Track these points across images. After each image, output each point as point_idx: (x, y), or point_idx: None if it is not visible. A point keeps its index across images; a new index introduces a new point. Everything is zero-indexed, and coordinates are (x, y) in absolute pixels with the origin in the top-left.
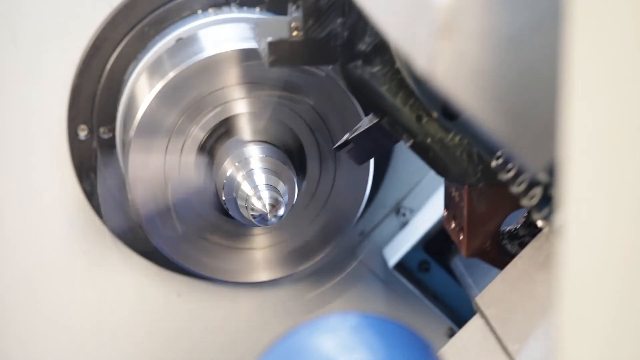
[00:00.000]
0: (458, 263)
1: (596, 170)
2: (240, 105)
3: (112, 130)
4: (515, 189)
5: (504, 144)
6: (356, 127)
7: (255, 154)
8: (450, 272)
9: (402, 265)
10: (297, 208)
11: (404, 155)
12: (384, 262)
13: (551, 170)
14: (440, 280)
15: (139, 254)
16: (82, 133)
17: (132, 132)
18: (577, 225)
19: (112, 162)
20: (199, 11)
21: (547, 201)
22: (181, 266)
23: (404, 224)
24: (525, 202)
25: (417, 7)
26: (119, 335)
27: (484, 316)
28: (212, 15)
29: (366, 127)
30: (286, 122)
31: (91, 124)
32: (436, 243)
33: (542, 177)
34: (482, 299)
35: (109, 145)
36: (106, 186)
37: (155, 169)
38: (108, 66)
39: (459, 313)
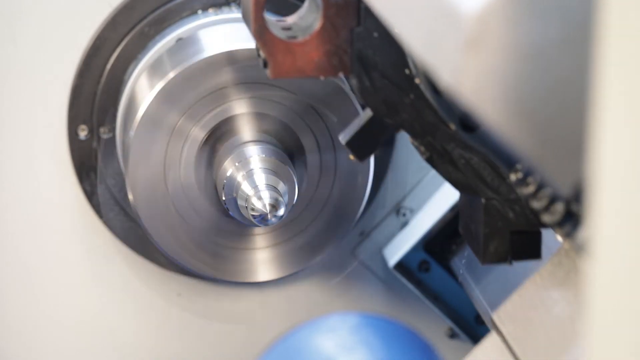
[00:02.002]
0: (458, 263)
1: (628, 188)
2: (240, 105)
3: (112, 130)
4: (536, 205)
5: (530, 160)
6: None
7: (255, 154)
8: (450, 272)
9: (402, 265)
10: (298, 208)
11: (404, 156)
12: (384, 262)
13: (577, 187)
14: (440, 280)
15: (139, 254)
16: (82, 133)
17: (132, 132)
18: (607, 245)
19: (112, 162)
20: (199, 11)
21: (569, 217)
22: (181, 266)
23: (404, 224)
24: (546, 218)
25: (442, 18)
26: (119, 335)
27: (500, 334)
28: (212, 15)
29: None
30: (286, 122)
31: (91, 124)
32: (436, 243)
33: (567, 193)
34: (499, 316)
35: (109, 145)
36: (106, 186)
37: (156, 169)
38: (108, 66)
39: (459, 313)
